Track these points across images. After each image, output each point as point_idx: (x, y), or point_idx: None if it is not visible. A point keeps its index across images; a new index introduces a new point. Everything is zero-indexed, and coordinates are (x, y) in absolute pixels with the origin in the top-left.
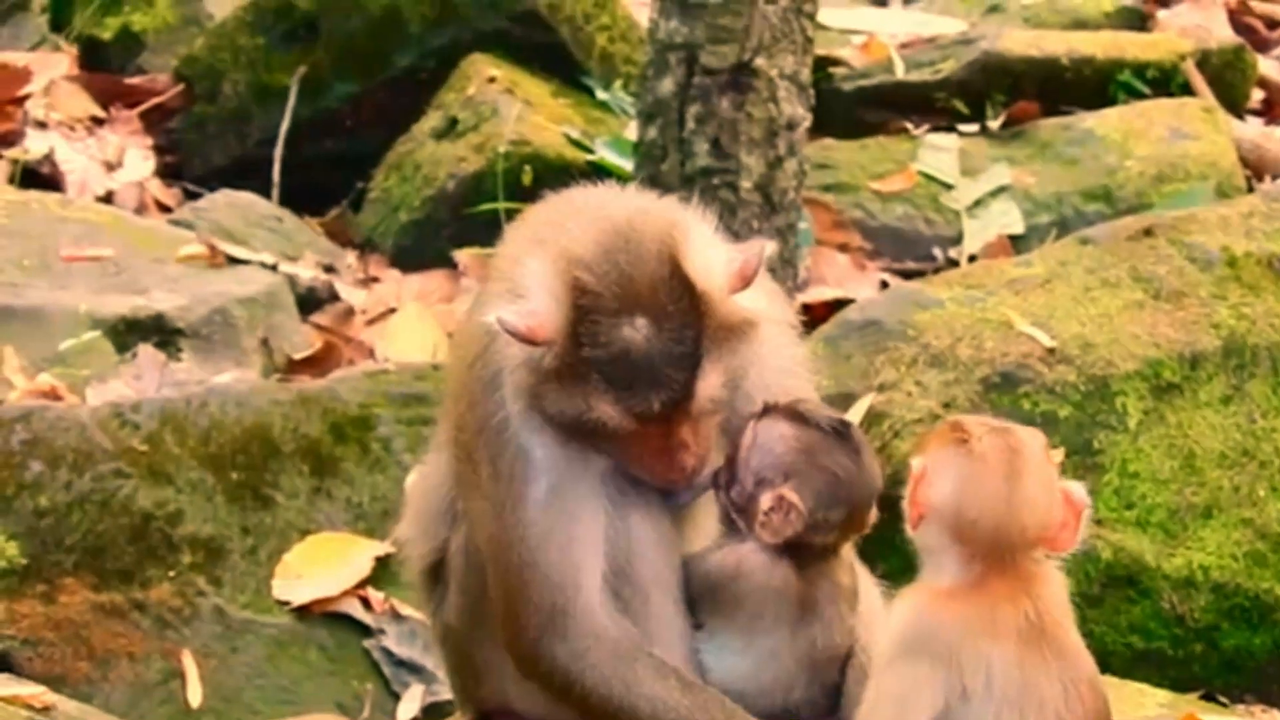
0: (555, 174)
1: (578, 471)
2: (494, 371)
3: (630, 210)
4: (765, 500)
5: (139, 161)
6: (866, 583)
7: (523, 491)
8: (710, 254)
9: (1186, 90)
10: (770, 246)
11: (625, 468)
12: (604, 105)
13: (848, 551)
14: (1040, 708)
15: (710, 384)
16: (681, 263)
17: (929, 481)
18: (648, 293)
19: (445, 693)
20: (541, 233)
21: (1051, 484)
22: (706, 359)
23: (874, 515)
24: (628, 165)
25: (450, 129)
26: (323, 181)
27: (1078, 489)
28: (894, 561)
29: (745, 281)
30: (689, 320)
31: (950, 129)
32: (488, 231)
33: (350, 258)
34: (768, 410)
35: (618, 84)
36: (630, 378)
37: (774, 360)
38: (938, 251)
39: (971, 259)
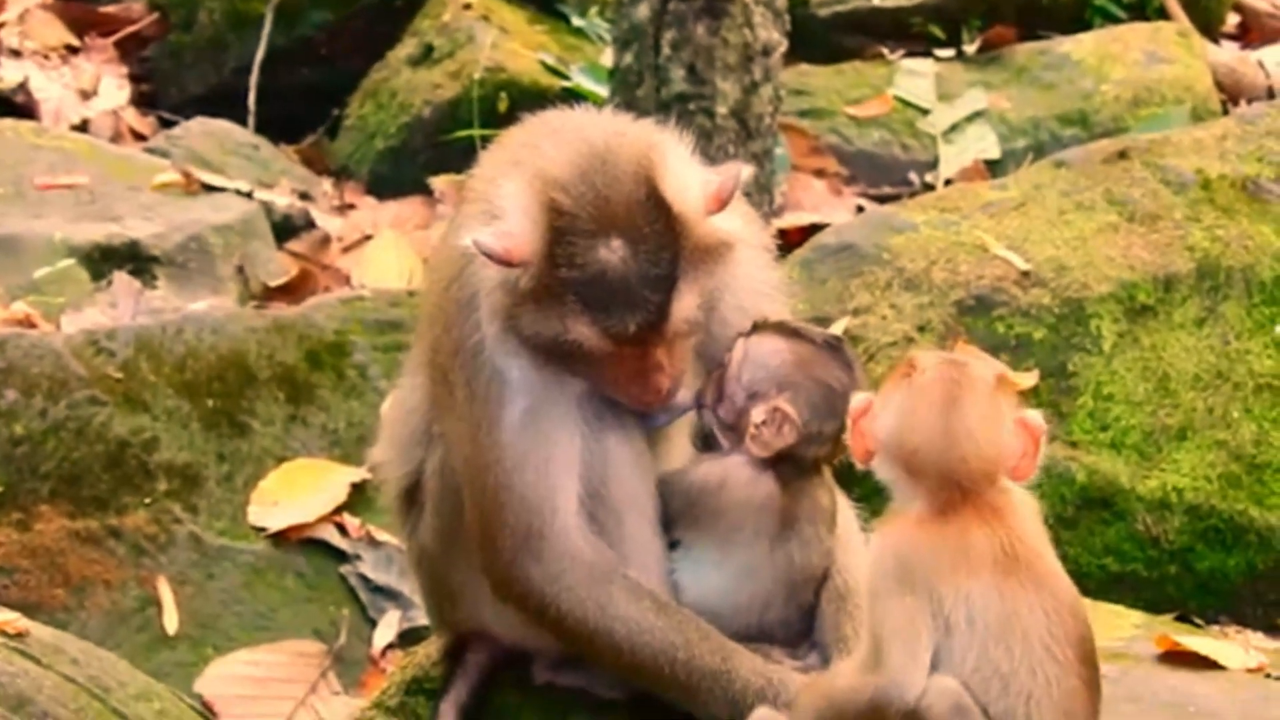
0: (531, 101)
1: (554, 394)
2: (470, 293)
3: (607, 132)
4: (758, 413)
5: (114, 90)
6: (843, 505)
7: (498, 414)
8: (687, 176)
9: (1162, 15)
10: (747, 170)
11: (601, 390)
12: (579, 32)
13: (827, 475)
14: (1024, 637)
15: (686, 305)
16: (658, 184)
17: (874, 415)
18: (624, 214)
19: (421, 618)
20: (518, 154)
21: (998, 415)
22: (682, 280)
23: None
24: (603, 91)
25: (426, 56)
26: (299, 109)
27: (1034, 416)
28: (868, 485)
29: (722, 204)
30: (665, 242)
31: (926, 54)
32: (463, 158)
33: (326, 185)
34: (758, 327)
35: (593, 10)
36: (606, 299)
37: (749, 283)
38: (914, 176)
39: (947, 183)
